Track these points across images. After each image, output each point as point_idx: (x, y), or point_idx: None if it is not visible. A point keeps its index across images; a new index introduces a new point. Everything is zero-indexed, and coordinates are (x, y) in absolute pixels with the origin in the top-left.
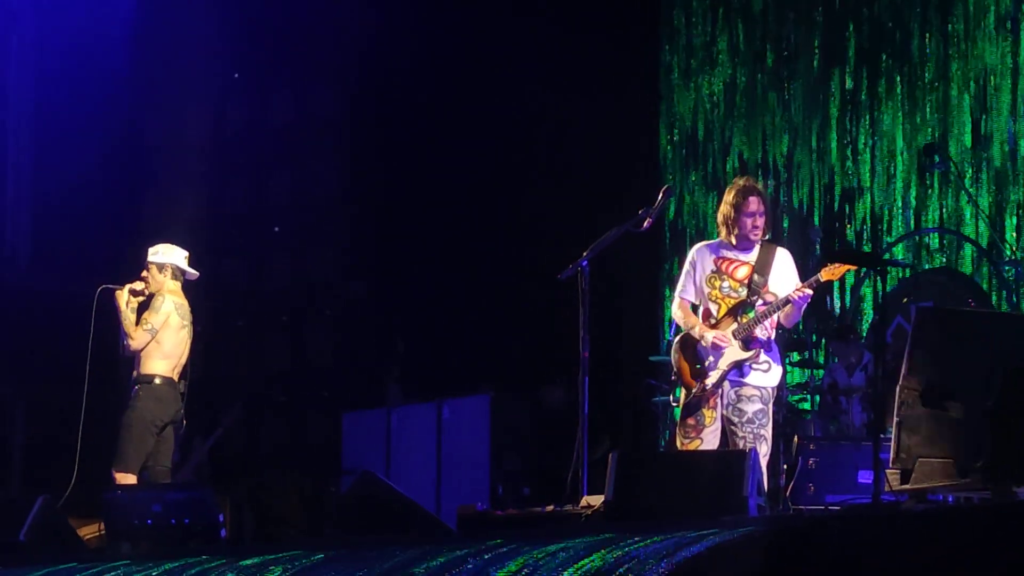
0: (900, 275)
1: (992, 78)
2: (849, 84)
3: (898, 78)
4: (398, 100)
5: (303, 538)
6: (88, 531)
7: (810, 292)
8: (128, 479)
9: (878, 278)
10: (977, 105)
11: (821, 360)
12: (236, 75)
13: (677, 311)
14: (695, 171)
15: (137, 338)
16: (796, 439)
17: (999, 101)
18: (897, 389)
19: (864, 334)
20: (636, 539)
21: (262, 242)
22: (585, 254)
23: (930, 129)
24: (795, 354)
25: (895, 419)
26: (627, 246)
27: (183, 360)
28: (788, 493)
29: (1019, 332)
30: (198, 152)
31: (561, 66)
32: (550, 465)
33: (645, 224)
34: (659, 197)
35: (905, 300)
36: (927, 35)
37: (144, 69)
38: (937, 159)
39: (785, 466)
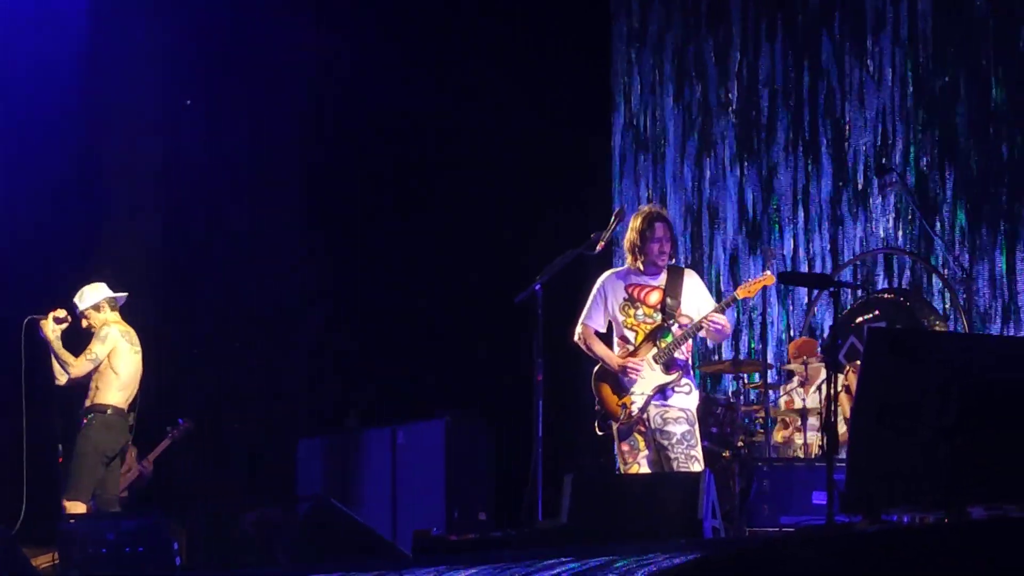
0: (853, 295)
1: None
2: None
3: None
4: (354, 126)
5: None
6: (41, 561)
7: (722, 318)
8: (78, 508)
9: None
10: None
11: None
12: (188, 102)
13: (581, 338)
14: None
15: (78, 366)
16: (750, 460)
17: None
18: (850, 409)
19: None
20: (590, 562)
21: (219, 270)
22: (538, 278)
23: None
24: (754, 375)
25: (849, 439)
26: (580, 269)
27: (135, 389)
28: (743, 515)
29: (972, 351)
30: (153, 180)
31: (517, 95)
32: (506, 490)
33: (598, 247)
34: (612, 220)
35: (859, 320)
36: None
37: (96, 97)
38: (895, 176)
39: (739, 488)
